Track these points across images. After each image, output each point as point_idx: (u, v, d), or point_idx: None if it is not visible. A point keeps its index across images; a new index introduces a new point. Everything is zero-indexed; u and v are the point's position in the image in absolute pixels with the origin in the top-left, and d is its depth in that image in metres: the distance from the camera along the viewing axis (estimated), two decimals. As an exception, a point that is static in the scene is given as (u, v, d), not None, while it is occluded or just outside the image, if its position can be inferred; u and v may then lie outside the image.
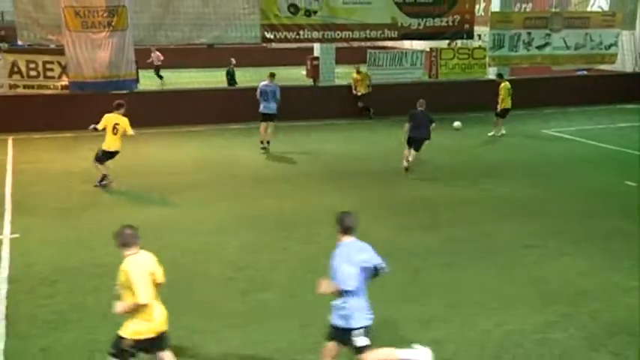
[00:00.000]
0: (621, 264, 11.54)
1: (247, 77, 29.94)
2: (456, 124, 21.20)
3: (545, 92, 28.23)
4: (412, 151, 18.01)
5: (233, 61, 29.96)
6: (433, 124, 18.10)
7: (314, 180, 17.22)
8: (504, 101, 22.82)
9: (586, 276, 11.08)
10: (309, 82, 27.96)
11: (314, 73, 27.26)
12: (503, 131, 22.98)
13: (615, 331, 9.17)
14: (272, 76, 20.66)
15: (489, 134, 22.80)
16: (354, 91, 25.85)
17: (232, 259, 11.74)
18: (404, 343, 8.77)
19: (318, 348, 8.60)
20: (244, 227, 13.47)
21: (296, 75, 32.61)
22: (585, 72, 30.98)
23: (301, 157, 19.82)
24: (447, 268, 11.39)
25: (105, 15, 22.59)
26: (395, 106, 25.54)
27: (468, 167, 18.82)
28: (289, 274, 11.17)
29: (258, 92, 20.47)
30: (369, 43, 28.33)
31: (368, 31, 25.77)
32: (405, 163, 18.01)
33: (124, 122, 16.03)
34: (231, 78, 29.55)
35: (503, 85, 22.96)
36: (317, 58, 27.10)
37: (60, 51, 23.13)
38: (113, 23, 22.71)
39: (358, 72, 25.91)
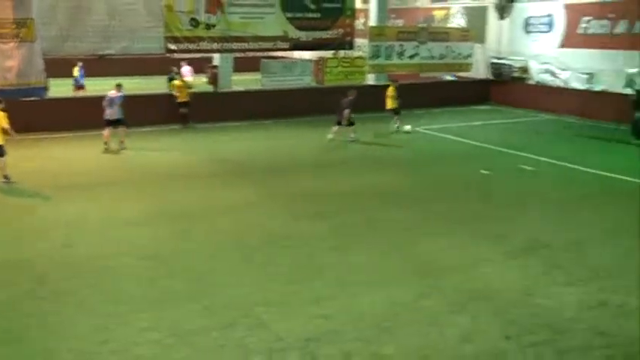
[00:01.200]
0: (480, 241, 11.96)
1: (142, 85, 29.33)
2: (407, 127, 22.90)
3: (415, 95, 28.86)
4: (337, 127, 21.28)
5: (175, 69, 28.87)
6: (346, 110, 20.80)
7: (216, 176, 16.96)
8: (390, 102, 23.72)
9: (450, 252, 11.40)
10: (209, 88, 27.57)
11: (214, 80, 27.01)
12: (397, 125, 23.65)
13: (474, 297, 9.51)
14: (119, 86, 20.30)
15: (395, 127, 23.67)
16: (175, 98, 24.40)
17: (141, 249, 11.44)
18: (297, 318, 8.85)
19: (222, 327, 8.57)
20: (152, 220, 13.15)
21: (197, 82, 32.11)
22: (455, 77, 31.90)
23: (204, 157, 19.50)
24: (335, 251, 11.47)
25: (13, 27, 21.62)
26: (289, 109, 25.76)
27: (353, 162, 18.93)
28: (195, 260, 11.00)
29: (105, 101, 19.79)
30: (263, 53, 28.34)
31: (262, 43, 25.97)
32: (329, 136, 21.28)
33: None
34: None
35: (390, 88, 24.04)
36: (216, 67, 26.87)
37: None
38: (21, 35, 21.78)
39: (182, 80, 25.37)
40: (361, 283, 10.05)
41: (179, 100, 24.03)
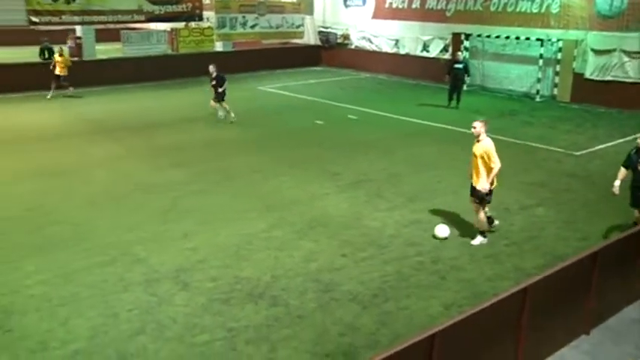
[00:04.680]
0: (317, 178, 12.23)
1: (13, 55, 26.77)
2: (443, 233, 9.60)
3: (258, 59, 28.79)
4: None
5: (46, 39, 25.89)
6: (223, 86, 17.41)
7: (85, 135, 16.00)
8: (60, 69, 21.35)
9: (294, 189, 11.66)
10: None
11: (78, 50, 25.31)
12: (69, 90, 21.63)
13: (314, 225, 9.83)
14: None
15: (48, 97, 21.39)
16: (52, 69, 21.18)
17: (25, 203, 10.70)
18: (169, 253, 8.73)
19: (103, 265, 8.29)
20: (33, 176, 12.29)
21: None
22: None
23: (74, 118, 18.31)
24: (196, 195, 11.35)
25: None
26: (148, 74, 24.71)
27: (205, 118, 18.33)
28: (74, 210, 10.45)
29: None
30: (123, 25, 26.85)
31: (120, 16, 24.60)
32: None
33: None
34: (49, 53, 23.99)
35: (62, 58, 21.63)
36: (79, 37, 25.14)
37: None
38: None
39: (60, 55, 21.55)
40: (221, 219, 10.06)
41: (58, 74, 21.25)
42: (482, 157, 8.78)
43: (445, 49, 23.51)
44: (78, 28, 25.14)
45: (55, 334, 6.64)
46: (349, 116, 18.59)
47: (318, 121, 17.77)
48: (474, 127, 8.88)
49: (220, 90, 17.35)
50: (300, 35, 30.45)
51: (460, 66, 20.00)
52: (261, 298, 7.48)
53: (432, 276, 8.14)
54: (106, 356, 6.27)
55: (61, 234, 9.37)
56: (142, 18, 25.67)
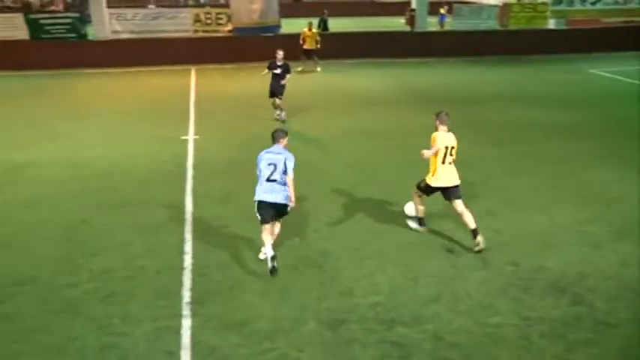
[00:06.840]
0: (638, 174, 10.85)
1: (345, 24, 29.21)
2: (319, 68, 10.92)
3: (593, 40, 26.15)
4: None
5: (326, 12, 28.50)
6: (286, 77, 14.43)
7: (404, 102, 16.83)
8: (308, 43, 21.92)
9: (616, 184, 10.44)
10: (407, 28, 27.09)
11: (411, 21, 26.56)
12: (319, 68, 22.05)
13: (636, 227, 8.65)
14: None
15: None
16: (301, 42, 21.91)
17: (345, 158, 11.79)
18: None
19: (408, 228, 8.61)
20: (353, 135, 13.43)
21: (396, 23, 31.63)
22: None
23: (400, 86, 19.31)
24: (508, 174, 11.01)
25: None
26: (473, 48, 24.61)
27: (523, 97, 17.67)
28: (386, 171, 11.11)
29: None
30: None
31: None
32: None
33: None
34: (324, 25, 27.22)
35: (311, 32, 22.07)
36: (414, 10, 26.29)
37: (227, 5, 24.25)
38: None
39: (309, 29, 22.12)
40: (528, 204, 9.58)
41: (307, 48, 21.93)
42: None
43: None
44: (414, 0, 26.30)
45: (359, 283, 7.18)
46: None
47: (656, 112, 15.53)
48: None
49: (283, 82, 14.23)
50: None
51: None
52: (564, 293, 6.93)
53: None
54: (401, 314, 6.55)
55: (375, 193, 10.03)
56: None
